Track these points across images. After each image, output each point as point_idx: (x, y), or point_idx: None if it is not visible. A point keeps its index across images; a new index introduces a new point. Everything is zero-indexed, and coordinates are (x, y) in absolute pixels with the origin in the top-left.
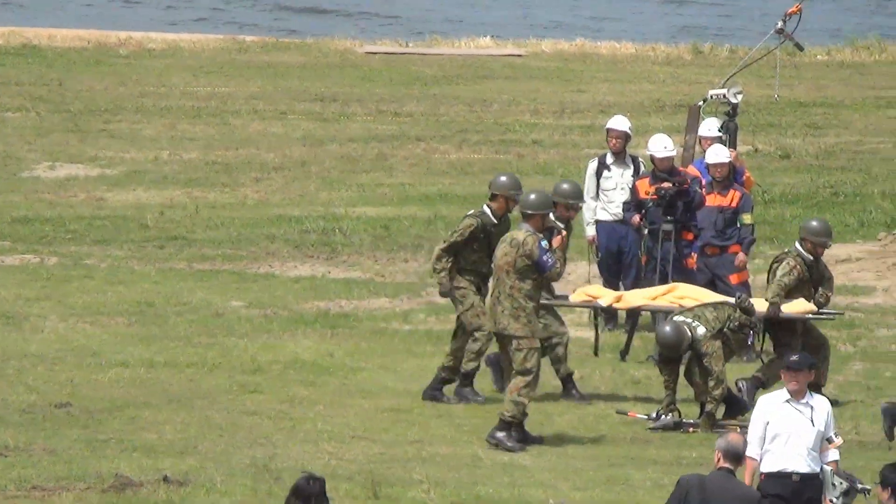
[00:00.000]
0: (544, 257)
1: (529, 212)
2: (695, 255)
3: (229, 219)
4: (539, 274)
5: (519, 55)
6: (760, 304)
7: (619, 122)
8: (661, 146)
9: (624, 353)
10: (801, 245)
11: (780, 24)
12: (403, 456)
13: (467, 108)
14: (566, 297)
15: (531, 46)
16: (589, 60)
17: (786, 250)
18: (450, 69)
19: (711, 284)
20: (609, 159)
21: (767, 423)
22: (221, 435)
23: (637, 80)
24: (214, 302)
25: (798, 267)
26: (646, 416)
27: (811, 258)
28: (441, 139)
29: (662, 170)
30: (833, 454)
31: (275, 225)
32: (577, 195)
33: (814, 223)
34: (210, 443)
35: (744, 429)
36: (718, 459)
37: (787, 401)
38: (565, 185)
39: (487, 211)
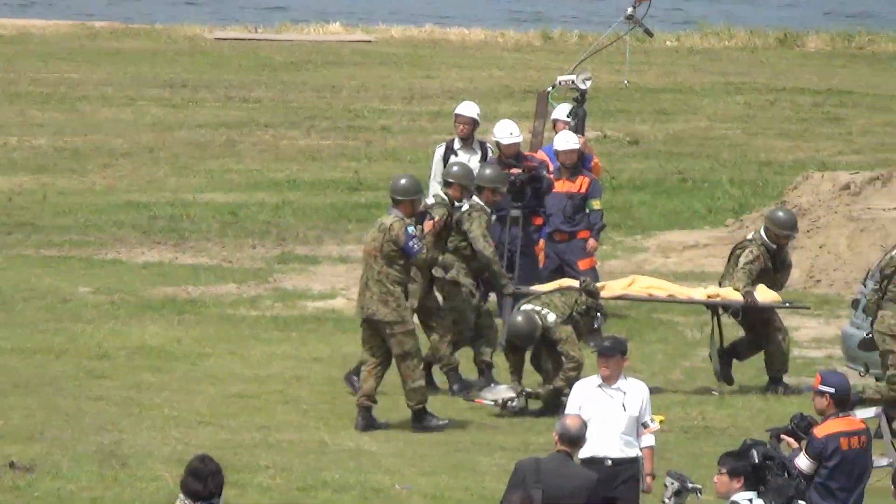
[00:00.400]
0: (410, 243)
1: (399, 197)
2: (543, 242)
3: (77, 205)
4: (406, 259)
5: (368, 41)
6: (666, 286)
7: (467, 108)
8: (508, 132)
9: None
10: (766, 233)
11: (629, 9)
12: (250, 442)
13: (316, 95)
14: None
15: (380, 32)
16: (438, 46)
17: (749, 237)
18: (299, 55)
19: (560, 271)
20: (457, 144)
21: (580, 407)
22: (68, 421)
23: (486, 67)
24: (62, 288)
25: (761, 256)
26: (492, 402)
27: (774, 246)
28: (290, 125)
29: (509, 156)
30: (648, 439)
31: (123, 211)
32: (502, 180)
33: (780, 214)
34: (56, 429)
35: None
36: (556, 442)
37: (599, 386)
38: (488, 171)
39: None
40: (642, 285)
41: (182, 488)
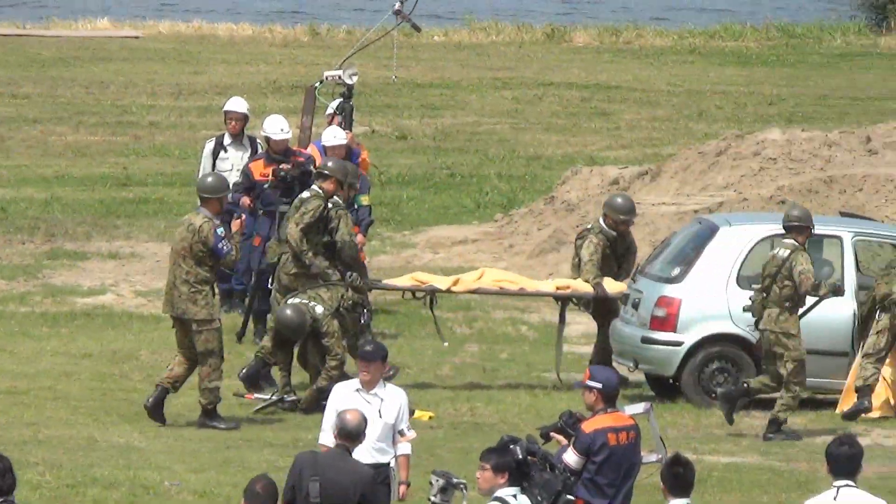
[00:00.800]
0: (220, 244)
1: (206, 195)
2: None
3: None
4: (216, 260)
5: (136, 36)
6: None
7: (238, 104)
8: (278, 128)
9: (240, 335)
10: (604, 220)
11: (397, 5)
12: (19, 438)
13: (84, 90)
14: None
15: (148, 28)
16: (206, 42)
17: (588, 227)
18: (67, 51)
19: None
20: (227, 140)
21: (338, 410)
22: None
23: (254, 62)
24: None
25: (601, 243)
26: (262, 398)
27: (613, 234)
28: (58, 121)
29: (278, 151)
30: (404, 447)
31: None
32: (356, 174)
33: (617, 200)
34: None
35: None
36: (335, 437)
37: (358, 390)
38: (330, 163)
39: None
40: (493, 278)
41: None
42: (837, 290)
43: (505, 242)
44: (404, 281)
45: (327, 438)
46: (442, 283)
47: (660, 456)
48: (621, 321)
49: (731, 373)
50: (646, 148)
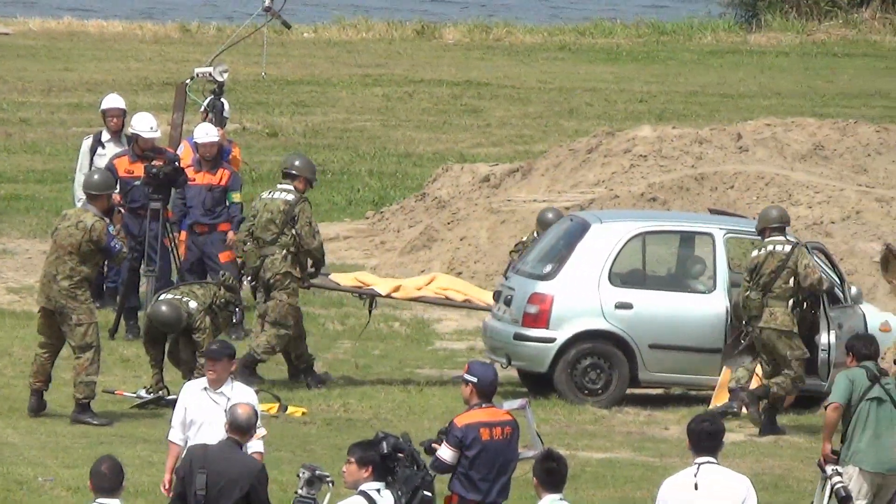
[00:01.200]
0: (112, 242)
1: (94, 193)
2: (185, 234)
3: None
4: (108, 258)
5: (6, 33)
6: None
7: (117, 101)
8: (147, 126)
9: (113, 332)
10: (537, 235)
11: (267, 2)
12: None
13: None
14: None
15: (18, 25)
16: (77, 38)
17: (523, 240)
18: None
19: (200, 263)
20: (104, 137)
21: (185, 409)
22: None
23: (124, 59)
24: None
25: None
26: (133, 394)
27: None
28: None
29: (146, 149)
30: (255, 445)
31: None
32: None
33: (548, 214)
34: None
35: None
36: (226, 429)
37: (205, 389)
38: (297, 162)
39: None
40: (440, 285)
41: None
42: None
43: (376, 239)
44: (347, 280)
45: (176, 435)
46: (383, 287)
47: (536, 452)
48: (493, 318)
49: (603, 369)
50: (517, 145)
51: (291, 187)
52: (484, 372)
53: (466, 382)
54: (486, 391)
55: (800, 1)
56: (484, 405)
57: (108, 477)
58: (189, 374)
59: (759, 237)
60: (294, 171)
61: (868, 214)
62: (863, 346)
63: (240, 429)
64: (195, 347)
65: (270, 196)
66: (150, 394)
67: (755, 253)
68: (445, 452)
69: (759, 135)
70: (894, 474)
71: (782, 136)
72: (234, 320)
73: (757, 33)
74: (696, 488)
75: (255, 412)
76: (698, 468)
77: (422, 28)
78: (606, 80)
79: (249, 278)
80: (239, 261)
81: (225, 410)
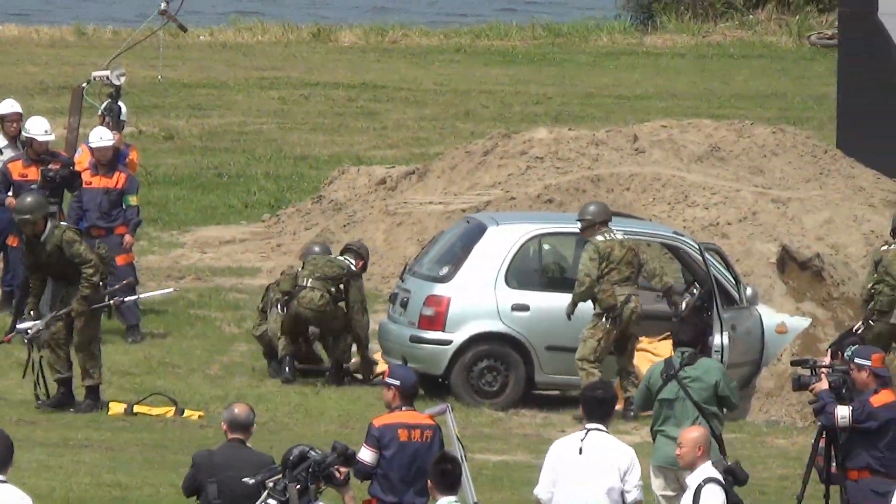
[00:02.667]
0: None
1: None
2: None
3: None
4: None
5: None
6: None
7: (14, 105)
8: (42, 129)
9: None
10: None
11: (163, 5)
12: None
13: None
14: None
15: None
16: None
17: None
18: None
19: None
20: (2, 142)
21: None
22: None
23: (20, 63)
24: None
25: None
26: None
27: None
28: None
29: (40, 152)
30: None
31: None
32: None
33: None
34: None
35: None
36: (226, 432)
37: None
38: None
39: None
40: None
41: None
42: None
43: (273, 242)
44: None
45: None
46: None
47: (458, 456)
48: (390, 320)
49: (500, 371)
50: (413, 147)
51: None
52: (406, 375)
53: (389, 386)
54: (409, 394)
55: (695, 2)
56: (405, 408)
57: None
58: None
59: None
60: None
61: (764, 215)
62: (680, 331)
63: (241, 427)
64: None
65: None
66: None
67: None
68: (365, 453)
69: (655, 136)
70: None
71: (678, 137)
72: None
73: (653, 35)
74: (580, 452)
75: (252, 410)
76: (586, 433)
77: (318, 31)
78: (502, 83)
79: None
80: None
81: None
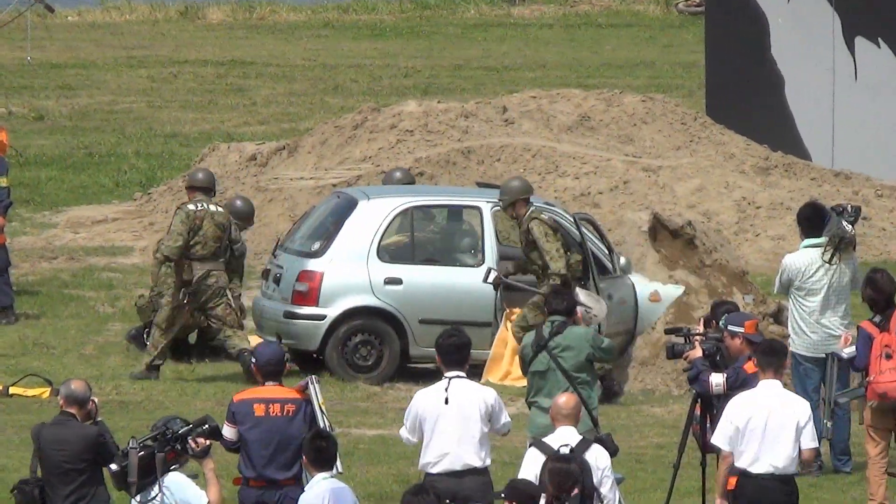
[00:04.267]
0: None
1: None
2: None
3: None
4: None
5: None
6: None
7: None
8: None
9: None
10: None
11: None
12: None
13: None
14: None
15: None
16: None
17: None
18: None
19: None
20: None
21: None
22: None
23: None
24: None
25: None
26: None
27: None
28: None
29: None
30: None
31: None
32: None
33: (237, 203)
34: None
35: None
36: (62, 405)
37: None
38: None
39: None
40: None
41: None
42: None
43: (145, 220)
44: None
45: None
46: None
47: (322, 428)
48: (263, 296)
49: (374, 345)
50: (283, 123)
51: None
52: (263, 351)
53: (252, 363)
54: (265, 370)
55: None
56: (267, 383)
57: None
58: None
59: (504, 210)
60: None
61: (635, 184)
62: (553, 301)
63: (77, 401)
64: None
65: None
66: None
67: None
68: (226, 430)
69: (524, 107)
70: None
71: (548, 108)
72: None
73: (521, 6)
74: (446, 402)
75: (89, 386)
76: (449, 382)
77: (185, 9)
78: (371, 56)
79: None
80: None
81: None
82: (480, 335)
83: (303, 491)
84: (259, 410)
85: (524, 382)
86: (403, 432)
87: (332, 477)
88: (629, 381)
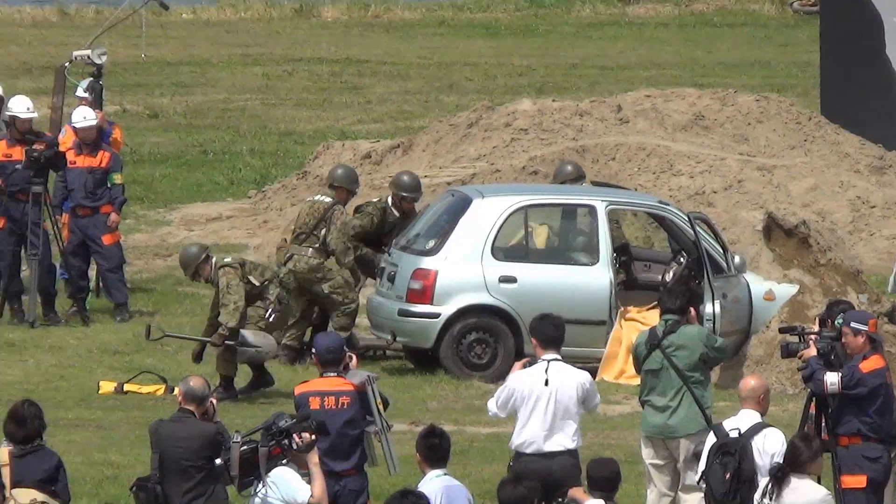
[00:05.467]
0: None
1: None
2: (67, 216)
3: None
4: None
5: None
6: None
7: None
8: (24, 107)
9: None
10: (391, 200)
11: None
12: None
13: None
14: None
15: None
16: None
17: (373, 200)
18: None
19: (83, 245)
20: None
21: None
22: None
23: (3, 43)
24: None
25: (373, 216)
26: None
27: (396, 214)
28: None
29: (23, 131)
30: None
31: None
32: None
33: (403, 177)
34: None
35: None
36: (180, 402)
37: None
38: (339, 171)
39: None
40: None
41: (4, 431)
42: None
43: (259, 219)
44: None
45: None
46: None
47: (376, 428)
48: (378, 294)
49: (488, 343)
50: (397, 121)
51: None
52: (321, 342)
53: (310, 354)
54: (324, 360)
55: None
56: (325, 374)
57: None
58: None
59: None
60: (336, 184)
61: (750, 183)
62: (666, 300)
63: (194, 398)
64: None
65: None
66: None
67: None
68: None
69: (638, 106)
70: (662, 437)
71: (662, 106)
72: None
73: (636, 5)
74: (546, 384)
75: (208, 383)
76: (548, 364)
77: (300, 7)
78: (486, 55)
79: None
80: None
81: None
82: (595, 333)
83: (364, 481)
84: (314, 403)
85: (639, 381)
86: (492, 405)
87: (445, 474)
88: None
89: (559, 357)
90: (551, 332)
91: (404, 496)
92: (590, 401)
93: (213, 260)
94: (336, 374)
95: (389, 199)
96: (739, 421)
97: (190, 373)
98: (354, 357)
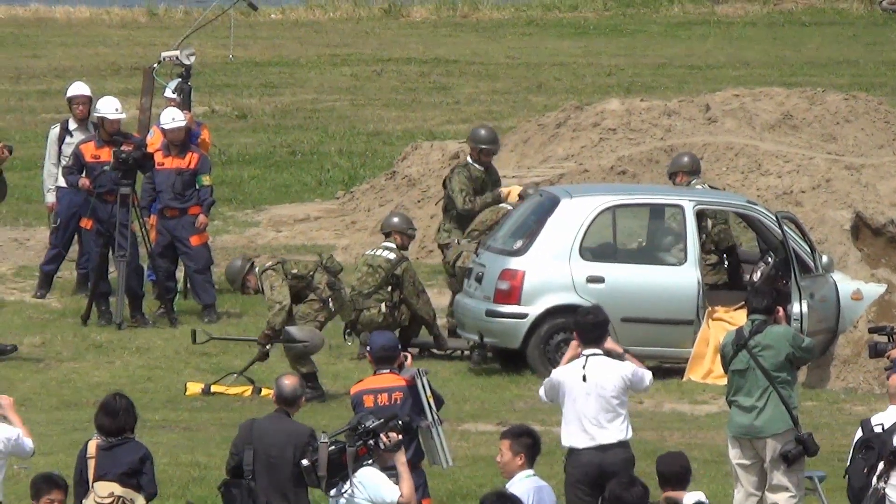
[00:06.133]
0: None
1: None
2: (154, 218)
3: None
4: None
5: None
6: None
7: (83, 88)
8: (113, 108)
9: (85, 318)
10: (470, 156)
11: None
12: None
13: None
14: None
15: None
16: (44, 25)
17: (453, 167)
18: None
19: (171, 247)
20: (72, 125)
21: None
22: None
23: (92, 44)
24: None
25: (468, 177)
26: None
27: (480, 168)
28: None
29: (111, 132)
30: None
31: None
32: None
33: (480, 131)
34: None
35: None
36: (275, 402)
37: None
38: (395, 220)
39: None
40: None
41: (95, 424)
42: None
43: (347, 219)
44: None
45: None
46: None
47: (427, 422)
48: (465, 294)
49: None
50: (485, 121)
51: (392, 245)
52: (375, 340)
53: (367, 352)
54: (378, 357)
55: None
56: (379, 372)
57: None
58: None
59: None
60: (388, 230)
61: (838, 183)
62: (753, 300)
63: (286, 400)
64: None
65: (373, 252)
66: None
67: None
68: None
69: (727, 105)
70: (749, 437)
71: (751, 106)
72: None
73: (724, 4)
74: (584, 380)
75: (301, 384)
76: (586, 360)
77: (389, 7)
78: (574, 55)
79: (347, 330)
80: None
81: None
82: (682, 333)
83: (420, 477)
84: (368, 401)
85: (726, 381)
86: (541, 391)
87: (533, 475)
88: (831, 380)
89: (599, 352)
90: (591, 327)
91: (501, 499)
92: (638, 384)
93: (256, 269)
94: (389, 371)
95: (469, 157)
96: (886, 416)
97: (279, 374)
98: (409, 356)
